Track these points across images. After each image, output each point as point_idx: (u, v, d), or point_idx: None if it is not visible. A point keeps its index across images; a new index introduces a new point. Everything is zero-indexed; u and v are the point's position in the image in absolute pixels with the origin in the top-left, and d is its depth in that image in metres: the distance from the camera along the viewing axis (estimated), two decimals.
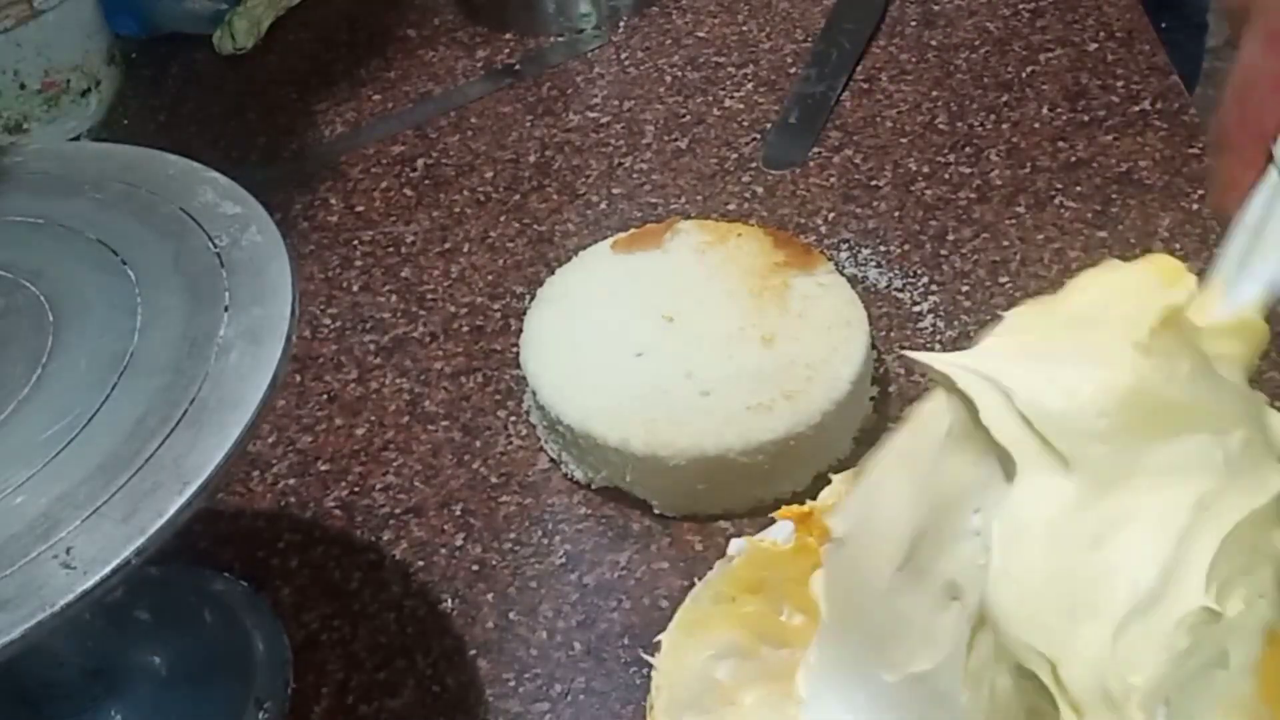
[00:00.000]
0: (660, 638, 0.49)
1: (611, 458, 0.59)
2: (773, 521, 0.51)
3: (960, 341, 0.66)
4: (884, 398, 0.64)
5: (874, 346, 0.64)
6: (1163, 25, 0.95)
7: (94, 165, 0.54)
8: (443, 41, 0.96)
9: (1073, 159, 0.76)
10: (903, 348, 0.66)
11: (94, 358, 0.44)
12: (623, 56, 0.90)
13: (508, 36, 0.94)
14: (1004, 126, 0.79)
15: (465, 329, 0.72)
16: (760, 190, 0.77)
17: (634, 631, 0.56)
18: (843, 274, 0.69)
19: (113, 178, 0.52)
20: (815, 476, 0.60)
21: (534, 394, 0.63)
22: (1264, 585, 0.38)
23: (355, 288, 0.76)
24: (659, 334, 0.62)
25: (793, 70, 0.86)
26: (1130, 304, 0.40)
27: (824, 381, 0.60)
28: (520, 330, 0.66)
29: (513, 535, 0.61)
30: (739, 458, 0.58)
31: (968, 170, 0.76)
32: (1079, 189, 0.74)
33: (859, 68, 0.85)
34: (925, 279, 0.70)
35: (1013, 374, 0.39)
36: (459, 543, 0.61)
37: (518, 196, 0.80)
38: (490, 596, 0.58)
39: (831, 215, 0.75)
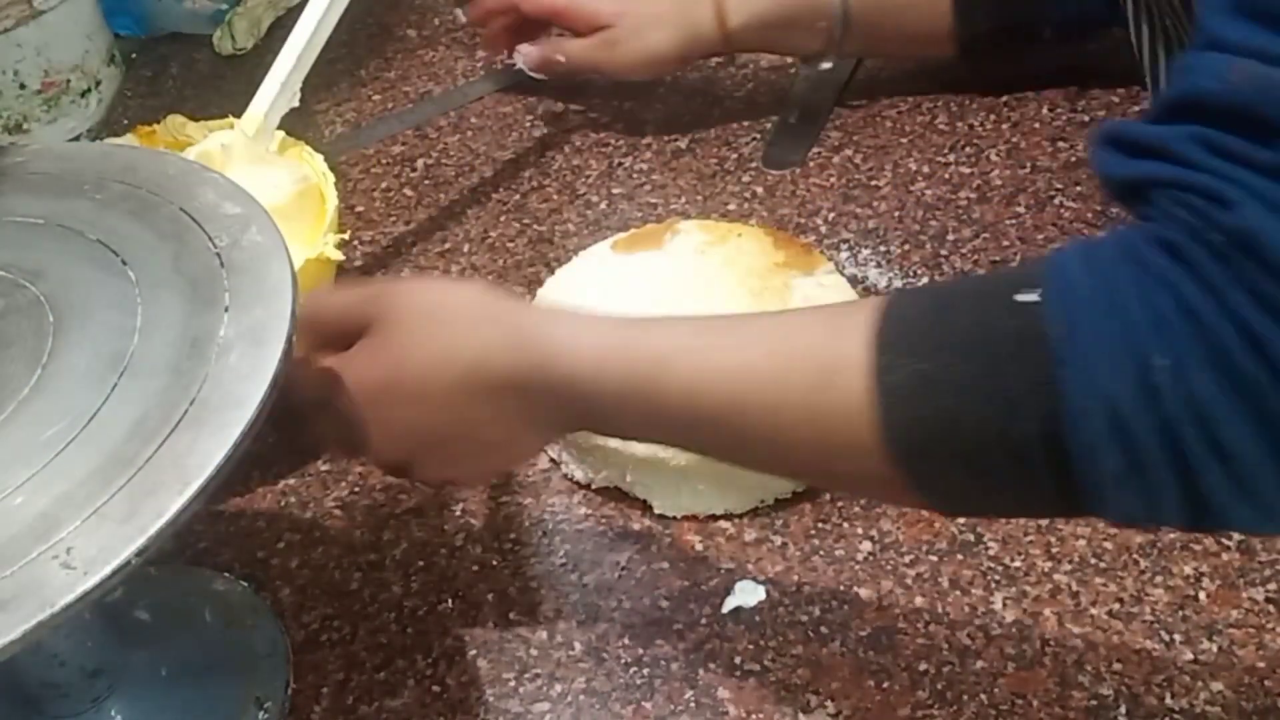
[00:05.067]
0: None
1: (612, 458, 0.59)
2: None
3: None
4: None
5: None
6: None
7: (94, 165, 0.54)
8: (443, 41, 0.96)
9: (1073, 159, 0.76)
10: None
11: (94, 358, 0.44)
12: None
13: None
14: (1004, 127, 0.79)
15: None
16: (760, 190, 0.77)
17: (634, 631, 0.56)
18: (843, 274, 0.69)
19: (113, 178, 0.52)
20: None
21: None
22: None
23: None
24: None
25: (793, 70, 0.86)
26: None
27: None
28: None
29: (513, 535, 0.61)
30: None
31: (968, 170, 0.76)
32: (1079, 189, 0.74)
33: (859, 68, 0.85)
34: (925, 279, 0.70)
35: None
36: (459, 543, 0.61)
37: (518, 196, 0.80)
38: (490, 596, 0.58)
39: (831, 215, 0.75)
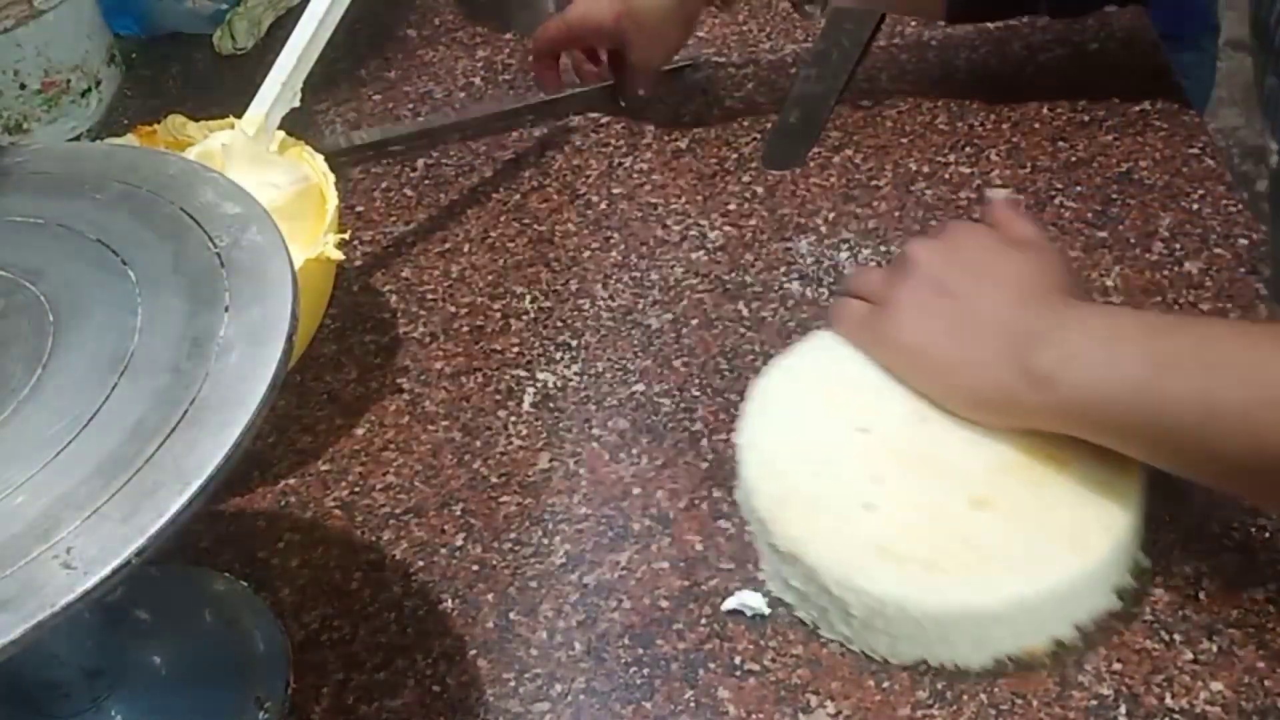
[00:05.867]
0: None
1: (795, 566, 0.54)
2: None
3: None
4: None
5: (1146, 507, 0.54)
6: (1180, 28, 0.95)
7: (94, 165, 0.54)
8: (443, 41, 0.96)
9: (1073, 159, 0.76)
10: None
11: (94, 358, 0.44)
12: None
13: (508, 36, 0.95)
14: (1004, 126, 0.79)
15: (465, 329, 0.72)
16: (760, 190, 0.77)
17: (634, 631, 0.56)
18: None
19: (113, 178, 0.52)
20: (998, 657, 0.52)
21: (740, 465, 0.58)
22: None
23: (355, 288, 0.76)
24: (912, 430, 0.56)
25: (793, 70, 0.86)
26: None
27: (1065, 544, 0.52)
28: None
29: (513, 535, 0.61)
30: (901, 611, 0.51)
31: (968, 170, 0.76)
32: (1079, 189, 0.74)
33: (859, 68, 0.85)
34: None
35: None
36: (459, 543, 0.61)
37: (518, 196, 0.80)
38: (490, 596, 0.58)
39: (831, 215, 0.75)
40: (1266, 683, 0.50)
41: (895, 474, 0.55)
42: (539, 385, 0.68)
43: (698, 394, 0.66)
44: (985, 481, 0.54)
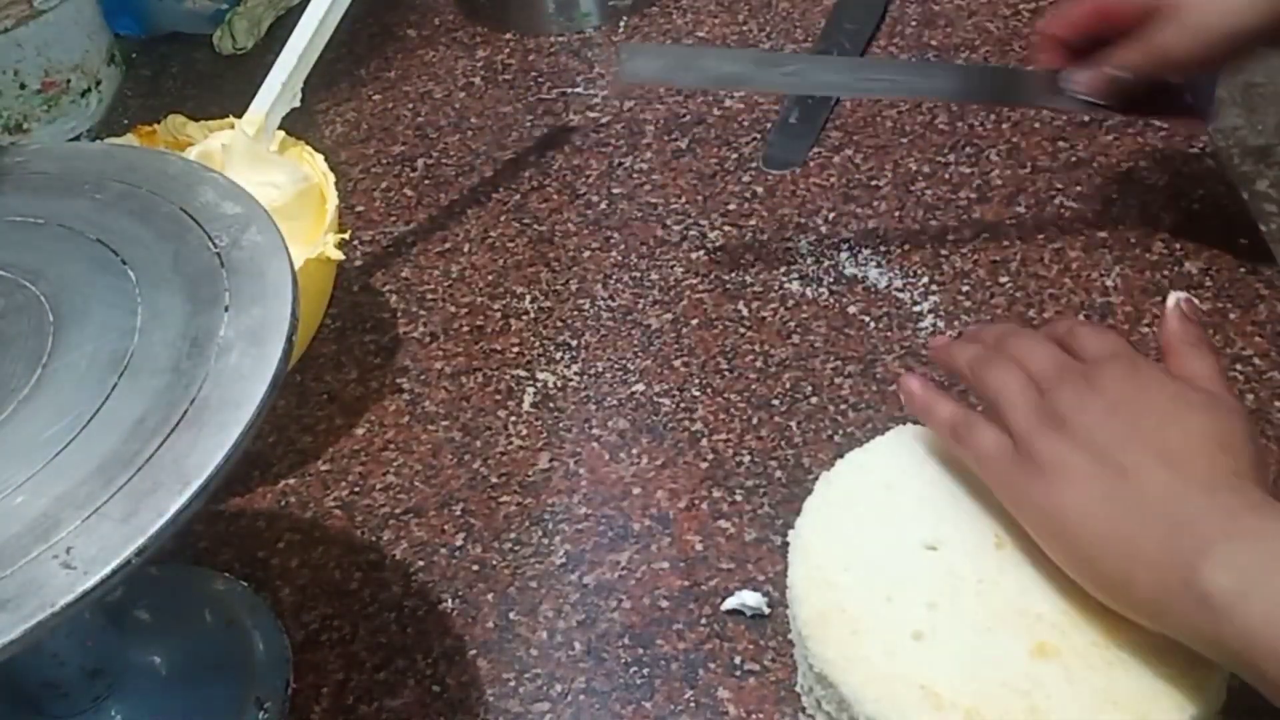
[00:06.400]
0: None
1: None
2: None
3: None
4: None
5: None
6: None
7: (94, 165, 0.54)
8: (443, 41, 0.96)
9: (1073, 159, 0.76)
10: (903, 347, 0.66)
11: (94, 358, 0.44)
12: None
13: (508, 36, 0.95)
14: (1004, 126, 0.79)
15: (465, 329, 0.72)
16: (760, 190, 0.77)
17: (634, 631, 0.56)
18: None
19: (113, 178, 0.52)
20: None
21: (788, 568, 0.52)
22: None
23: (355, 288, 0.76)
24: (984, 555, 0.50)
25: None
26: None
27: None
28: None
29: (513, 535, 0.61)
30: None
31: (968, 170, 0.76)
32: (1079, 189, 0.74)
33: None
34: (925, 279, 0.70)
35: None
36: (459, 543, 0.61)
37: (518, 196, 0.80)
38: (490, 596, 0.58)
39: (831, 215, 0.75)
40: None
41: (954, 602, 0.48)
42: (539, 385, 0.68)
43: (698, 394, 0.66)
44: (1053, 627, 0.47)
